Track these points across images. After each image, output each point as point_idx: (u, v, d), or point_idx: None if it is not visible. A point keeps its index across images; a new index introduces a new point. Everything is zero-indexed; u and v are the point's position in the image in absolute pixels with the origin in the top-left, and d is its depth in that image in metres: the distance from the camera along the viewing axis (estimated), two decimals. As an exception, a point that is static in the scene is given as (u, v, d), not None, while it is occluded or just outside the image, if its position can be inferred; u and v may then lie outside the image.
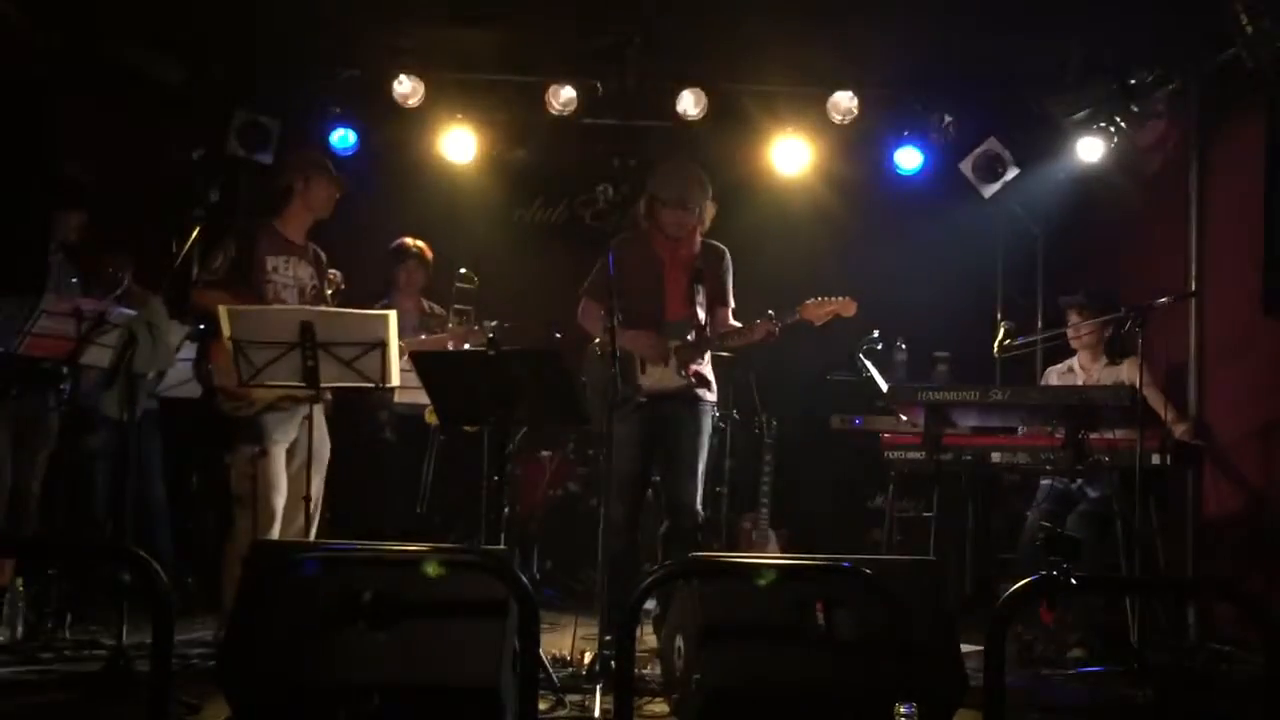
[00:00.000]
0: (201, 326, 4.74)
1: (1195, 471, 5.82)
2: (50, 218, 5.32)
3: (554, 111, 6.82)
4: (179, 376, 5.19)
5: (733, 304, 5.08)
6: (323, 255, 5.07)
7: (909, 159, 7.07)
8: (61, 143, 5.57)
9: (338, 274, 5.16)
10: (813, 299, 4.92)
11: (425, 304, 6.35)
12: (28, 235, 5.04)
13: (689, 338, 4.91)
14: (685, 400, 4.92)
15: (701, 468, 4.95)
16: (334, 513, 5.37)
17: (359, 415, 6.28)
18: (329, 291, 5.04)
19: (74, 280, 5.47)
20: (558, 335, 5.97)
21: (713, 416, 5.19)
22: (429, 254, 6.34)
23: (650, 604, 4.88)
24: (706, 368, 5.02)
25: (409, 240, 6.37)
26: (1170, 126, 6.19)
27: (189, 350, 4.89)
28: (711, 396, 5.06)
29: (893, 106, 6.96)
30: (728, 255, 5.10)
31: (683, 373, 4.91)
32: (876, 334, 5.83)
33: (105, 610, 4.86)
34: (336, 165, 5.15)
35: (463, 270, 6.10)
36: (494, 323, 5.61)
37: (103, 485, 5.69)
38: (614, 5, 5.94)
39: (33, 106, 5.51)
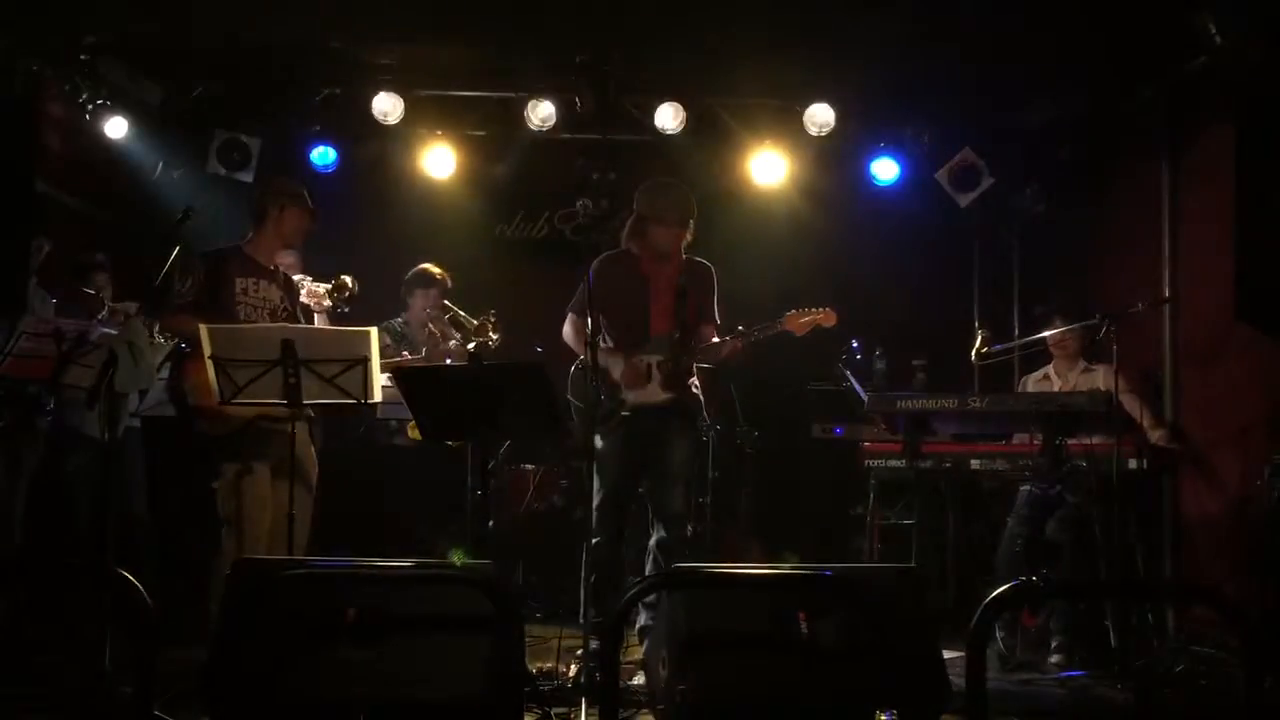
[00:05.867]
0: (182, 346, 4.73)
1: (1172, 476, 5.88)
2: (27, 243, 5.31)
3: (533, 127, 6.86)
4: (161, 395, 5.19)
5: (718, 320, 5.11)
6: (293, 278, 5.08)
7: (885, 170, 7.14)
8: (35, 167, 5.56)
9: (349, 279, 5.12)
10: (794, 310, 4.96)
11: (433, 327, 6.38)
12: (7, 257, 5.03)
13: (672, 353, 4.94)
14: (670, 413, 4.95)
15: (687, 479, 4.97)
16: (332, 522, 5.37)
17: (374, 421, 6.31)
18: (345, 296, 5.04)
19: (53, 302, 5.46)
20: (539, 349, 6.00)
21: (699, 428, 5.22)
22: (449, 282, 6.38)
23: (644, 617, 4.90)
24: (692, 380, 5.05)
25: (433, 268, 6.38)
26: (1141, 135, 6.26)
27: (169, 370, 4.89)
28: (697, 409, 5.09)
29: (869, 118, 7.03)
30: (714, 272, 5.13)
31: (667, 386, 4.93)
32: (856, 344, 5.88)
33: (88, 631, 4.84)
34: (317, 183, 5.16)
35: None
36: (473, 344, 5.63)
37: (85, 505, 5.66)
38: (591, 21, 5.97)
39: (11, 128, 5.51)
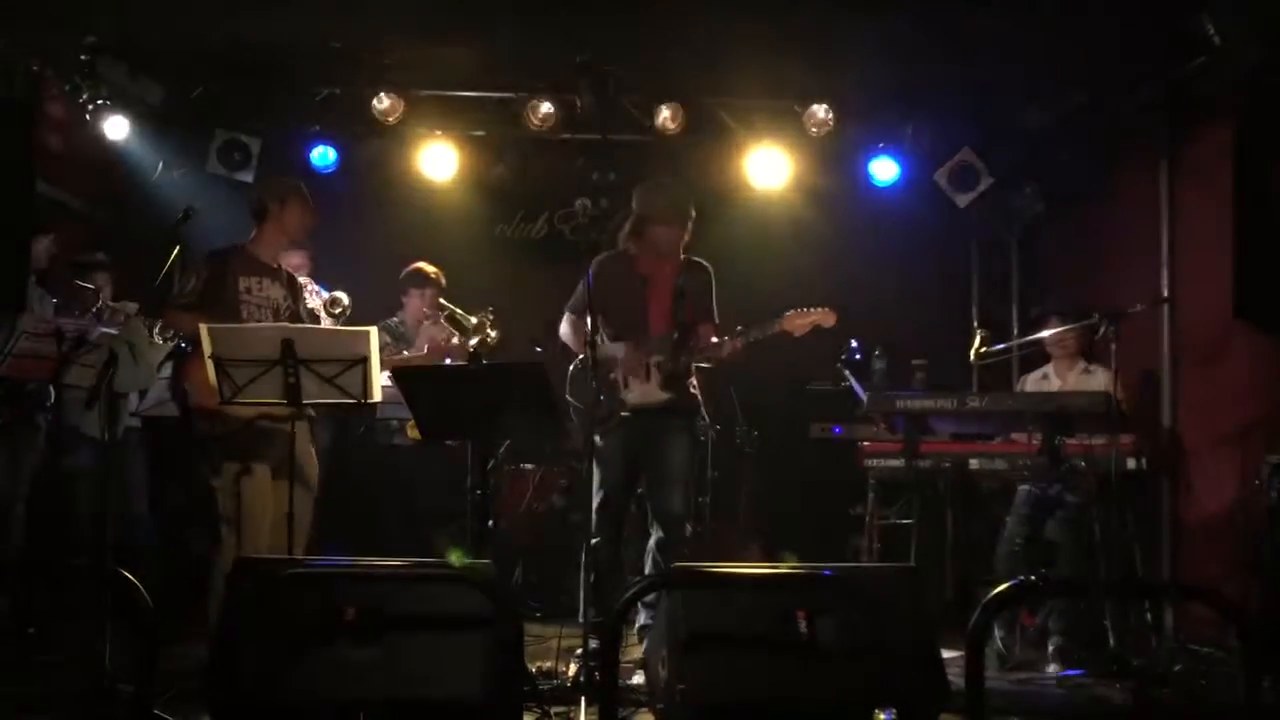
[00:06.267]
0: (182, 345, 4.74)
1: (1171, 476, 5.88)
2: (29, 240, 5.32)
3: (533, 127, 6.87)
4: (161, 395, 5.19)
5: (716, 320, 5.11)
6: (297, 278, 5.08)
7: (884, 170, 7.15)
8: (35, 167, 5.57)
9: (344, 297, 5.17)
10: (793, 310, 4.96)
11: (428, 325, 6.38)
12: (7, 257, 5.03)
13: (671, 352, 4.94)
14: (669, 413, 4.95)
15: (687, 479, 4.98)
16: (331, 522, 5.37)
17: (358, 424, 6.30)
18: (338, 312, 5.06)
19: (53, 301, 5.47)
20: (538, 349, 6.00)
21: (697, 428, 5.22)
22: (443, 280, 6.38)
23: (644, 616, 4.91)
24: (690, 380, 5.05)
25: (428, 267, 6.37)
26: (1140, 134, 6.27)
27: (168, 369, 4.90)
28: (696, 409, 5.09)
29: (868, 118, 7.03)
30: (711, 271, 5.14)
31: (666, 386, 4.94)
32: (855, 343, 5.88)
33: (88, 630, 4.85)
34: (317, 183, 5.16)
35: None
36: (475, 340, 5.63)
37: (85, 505, 5.67)
38: (591, 21, 5.98)
39: (10, 127, 5.51)
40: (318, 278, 5.90)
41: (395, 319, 6.39)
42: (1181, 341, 5.98)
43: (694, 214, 5.04)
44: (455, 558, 3.22)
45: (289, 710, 3.32)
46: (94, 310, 5.27)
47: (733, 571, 3.80)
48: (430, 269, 6.38)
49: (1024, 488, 5.61)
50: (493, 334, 5.67)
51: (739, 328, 4.96)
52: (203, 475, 4.72)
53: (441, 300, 6.25)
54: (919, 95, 6.81)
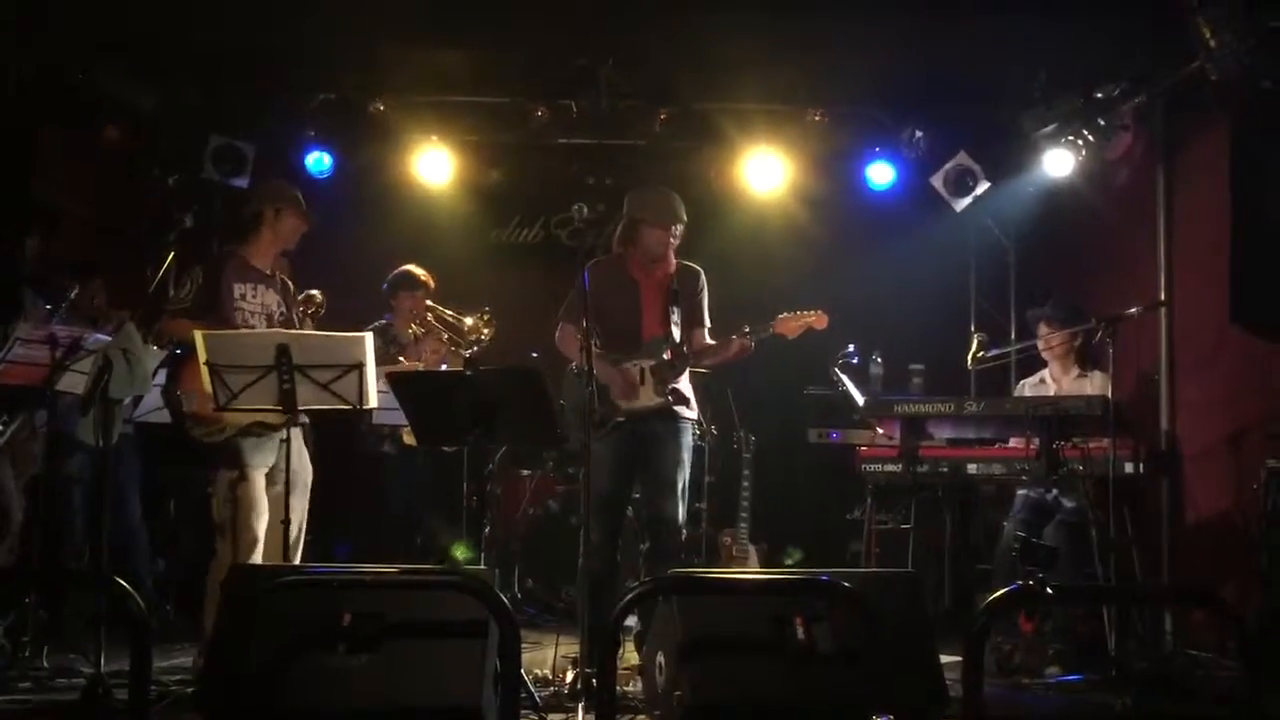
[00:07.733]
0: (178, 351, 4.72)
1: (1170, 479, 5.88)
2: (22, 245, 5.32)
3: (529, 132, 6.86)
4: (155, 401, 5.18)
5: (709, 323, 5.11)
6: (290, 284, 5.07)
7: (881, 174, 7.15)
8: (30, 170, 5.57)
9: (318, 294, 5.16)
10: (785, 313, 4.97)
11: (415, 327, 6.35)
12: (1, 261, 5.03)
13: (665, 357, 4.94)
14: (664, 418, 4.94)
15: (682, 484, 4.96)
16: (325, 528, 5.35)
17: (358, 429, 6.27)
18: (310, 311, 5.04)
19: (48, 307, 5.45)
20: (534, 355, 5.99)
21: (693, 433, 5.22)
22: (433, 284, 6.35)
23: (632, 620, 4.90)
24: (685, 385, 5.04)
25: (418, 271, 6.34)
26: (1136, 138, 6.28)
27: (164, 376, 4.89)
28: (691, 414, 5.08)
29: (864, 123, 7.03)
30: (703, 275, 5.14)
31: (660, 391, 4.93)
32: (852, 348, 5.88)
33: (83, 638, 4.82)
34: (312, 188, 5.15)
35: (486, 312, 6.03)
36: (473, 338, 5.62)
37: (79, 511, 5.65)
38: (588, 26, 5.98)
39: (5, 134, 5.51)
40: (313, 284, 5.90)
41: (383, 322, 6.33)
42: (1178, 345, 5.98)
43: (685, 217, 5.04)
44: (459, 552, 3.21)
45: (285, 717, 3.30)
46: (71, 298, 5.24)
47: (730, 577, 3.79)
48: (420, 272, 6.34)
49: (1022, 492, 5.60)
50: (485, 333, 5.66)
51: (745, 328, 4.96)
52: (197, 482, 4.70)
53: (430, 303, 6.23)
54: (915, 100, 6.81)
